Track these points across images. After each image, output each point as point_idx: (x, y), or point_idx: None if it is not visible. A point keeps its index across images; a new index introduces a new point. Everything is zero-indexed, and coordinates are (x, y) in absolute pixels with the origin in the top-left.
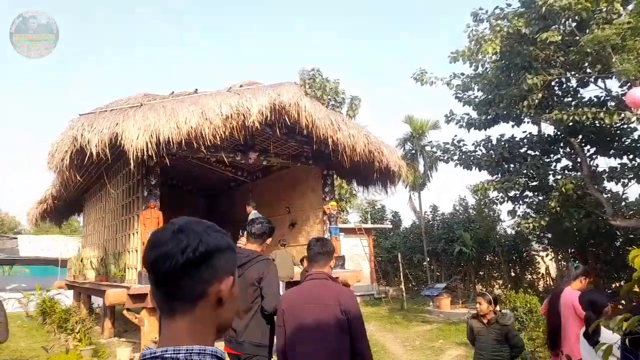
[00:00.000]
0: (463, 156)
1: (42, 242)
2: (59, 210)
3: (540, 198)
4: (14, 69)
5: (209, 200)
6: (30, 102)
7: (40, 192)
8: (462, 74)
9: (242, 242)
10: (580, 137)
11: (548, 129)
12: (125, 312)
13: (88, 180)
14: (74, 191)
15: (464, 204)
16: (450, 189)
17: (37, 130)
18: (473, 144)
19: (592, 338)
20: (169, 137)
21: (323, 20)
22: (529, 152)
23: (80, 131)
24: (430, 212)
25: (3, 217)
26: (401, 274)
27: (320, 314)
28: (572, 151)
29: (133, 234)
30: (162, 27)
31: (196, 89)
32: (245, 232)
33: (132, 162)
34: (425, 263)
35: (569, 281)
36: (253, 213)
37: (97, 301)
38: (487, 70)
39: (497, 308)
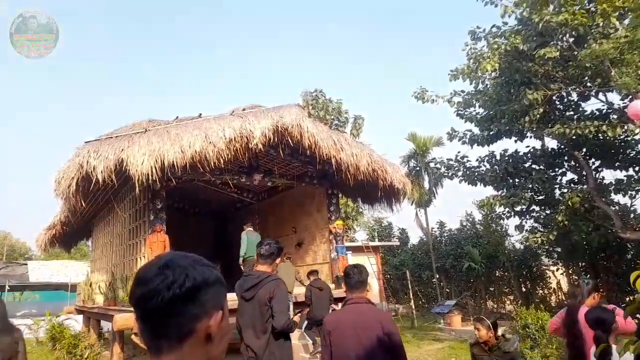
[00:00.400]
0: (467, 172)
1: (52, 267)
2: (68, 236)
3: (548, 212)
4: (31, 92)
5: (216, 222)
6: (39, 129)
7: (50, 217)
8: (463, 91)
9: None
10: (584, 150)
11: (551, 143)
12: (133, 336)
13: (95, 205)
14: (81, 217)
15: (470, 219)
16: (457, 205)
17: (47, 157)
18: (477, 159)
19: (604, 358)
20: (173, 162)
21: (326, 39)
22: (534, 166)
23: (86, 158)
24: (438, 228)
25: (14, 243)
26: (410, 291)
27: (364, 335)
28: (577, 164)
29: (140, 257)
30: (164, 50)
31: (200, 114)
32: (255, 254)
33: (137, 187)
34: (434, 280)
35: (582, 299)
36: (247, 231)
37: (106, 326)
38: (487, 87)
39: (499, 333)
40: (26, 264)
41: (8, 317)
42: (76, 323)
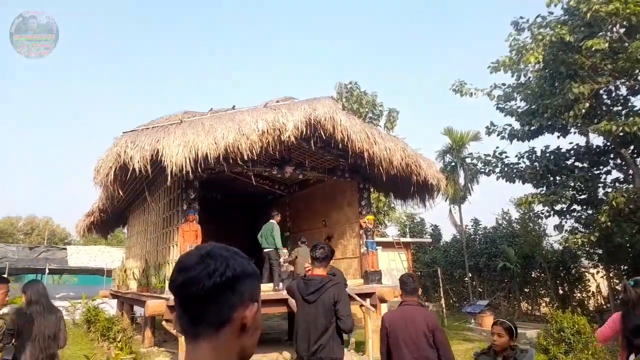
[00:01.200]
0: (505, 168)
1: (90, 252)
2: (105, 223)
3: (590, 212)
4: (66, 81)
5: (247, 213)
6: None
7: (88, 204)
8: (504, 84)
9: (308, 267)
10: (632, 148)
11: (596, 140)
12: (164, 322)
13: (132, 194)
14: (118, 204)
15: (507, 217)
16: (493, 203)
17: (89, 146)
18: (516, 155)
19: None
20: (207, 153)
21: (360, 32)
22: (576, 163)
23: (124, 148)
24: (472, 226)
25: (55, 228)
26: (441, 289)
27: (414, 331)
28: (624, 163)
29: (173, 246)
30: (199, 43)
31: (234, 106)
32: (310, 258)
33: (170, 177)
34: (466, 279)
35: (635, 303)
36: (270, 222)
37: (139, 311)
38: (530, 79)
39: (514, 342)
40: (65, 249)
41: (50, 300)
42: (110, 307)
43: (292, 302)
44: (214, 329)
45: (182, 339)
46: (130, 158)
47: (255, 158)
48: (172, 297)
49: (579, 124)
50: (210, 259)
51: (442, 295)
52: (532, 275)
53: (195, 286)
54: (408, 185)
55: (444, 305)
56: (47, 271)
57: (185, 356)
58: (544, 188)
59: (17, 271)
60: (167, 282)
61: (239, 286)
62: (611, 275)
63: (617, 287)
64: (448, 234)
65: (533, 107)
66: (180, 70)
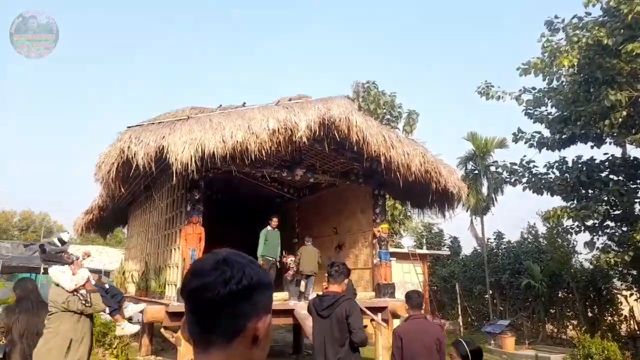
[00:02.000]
0: (533, 179)
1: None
2: (105, 222)
3: (624, 229)
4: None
5: (254, 216)
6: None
7: (88, 201)
8: (534, 89)
9: (325, 284)
10: None
11: (634, 152)
12: (162, 330)
13: (133, 192)
14: (119, 203)
15: (533, 232)
16: (518, 215)
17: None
18: (545, 165)
19: None
20: (214, 151)
21: (380, 33)
22: (611, 176)
23: (128, 143)
24: (495, 239)
25: (52, 224)
26: (459, 306)
27: (424, 341)
28: None
29: (174, 249)
30: (213, 43)
31: (244, 103)
32: (326, 275)
33: (175, 175)
34: (487, 296)
35: None
36: (266, 228)
37: (136, 316)
38: (563, 84)
39: None
40: None
41: (41, 297)
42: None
43: (300, 316)
44: (227, 338)
45: (180, 348)
46: (134, 154)
47: (265, 158)
48: (171, 303)
49: (615, 134)
50: (226, 266)
51: (459, 312)
52: (559, 295)
53: (210, 292)
54: (426, 193)
55: (461, 324)
56: (42, 270)
57: None
58: (575, 201)
59: (11, 269)
60: (167, 287)
61: (254, 296)
62: None
63: None
64: (468, 247)
65: (565, 114)
66: (193, 66)
